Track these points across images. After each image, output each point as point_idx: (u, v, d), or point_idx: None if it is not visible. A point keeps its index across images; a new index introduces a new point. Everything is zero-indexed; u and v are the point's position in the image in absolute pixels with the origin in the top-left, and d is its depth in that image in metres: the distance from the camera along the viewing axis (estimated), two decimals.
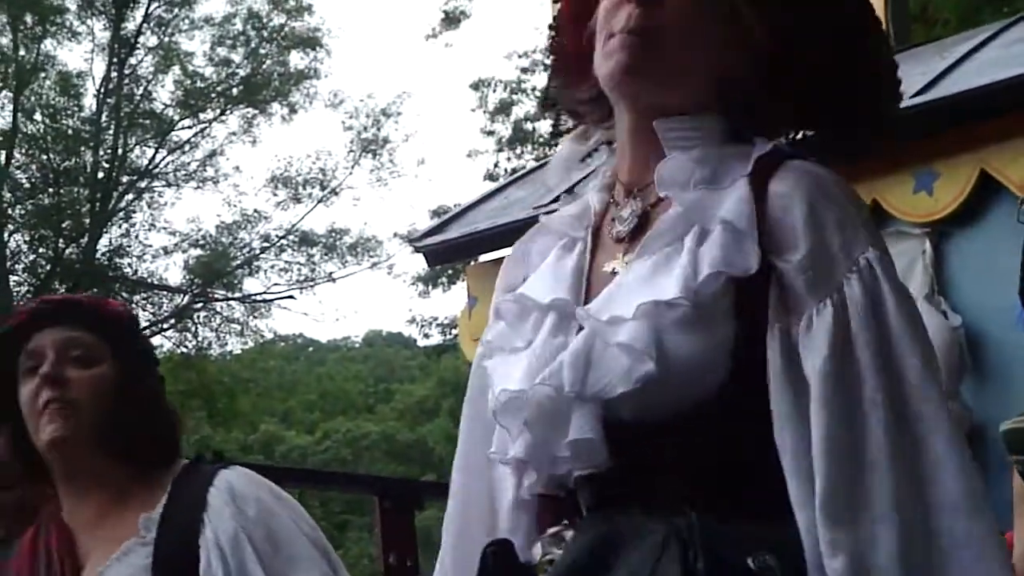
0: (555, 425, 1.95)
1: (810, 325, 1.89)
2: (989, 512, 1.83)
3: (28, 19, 30.12)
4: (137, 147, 31.19)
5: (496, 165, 30.08)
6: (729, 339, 1.92)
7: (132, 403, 3.02)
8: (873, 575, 1.80)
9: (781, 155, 2.04)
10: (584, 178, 2.26)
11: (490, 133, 30.36)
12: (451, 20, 29.13)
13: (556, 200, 2.27)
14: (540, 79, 29.42)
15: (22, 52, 30.42)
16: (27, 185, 30.64)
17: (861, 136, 2.17)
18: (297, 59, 31.76)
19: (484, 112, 30.61)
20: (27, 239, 30.79)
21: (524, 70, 30.17)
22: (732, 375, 1.91)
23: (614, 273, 2.05)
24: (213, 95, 31.46)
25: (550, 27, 2.28)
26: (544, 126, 29.08)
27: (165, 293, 31.58)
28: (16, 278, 30.49)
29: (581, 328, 2.00)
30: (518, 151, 30.16)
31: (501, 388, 2.01)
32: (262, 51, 31.64)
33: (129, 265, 31.37)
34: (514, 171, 28.38)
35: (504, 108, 30.34)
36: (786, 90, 2.09)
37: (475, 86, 30.47)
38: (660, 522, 1.90)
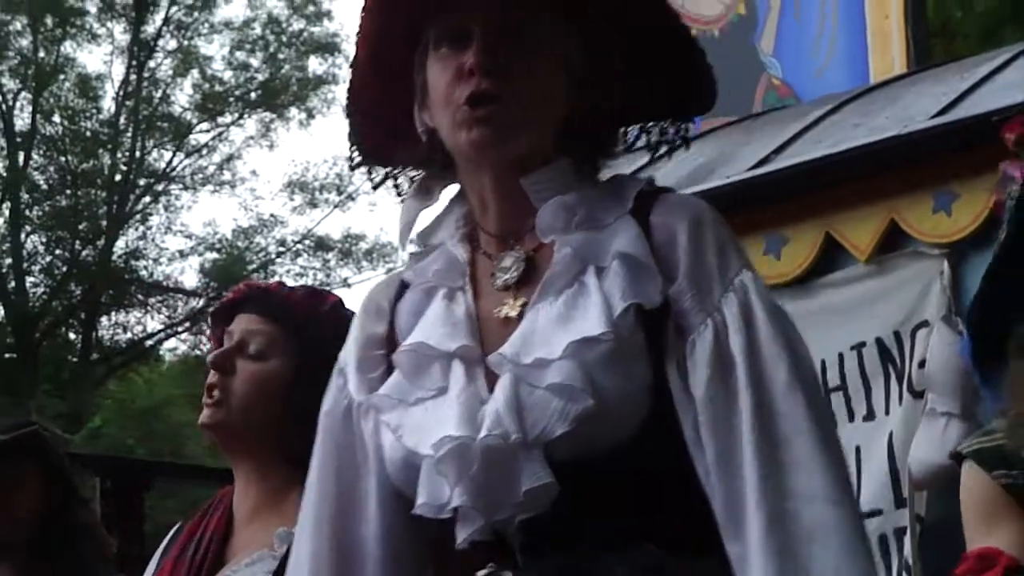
0: (504, 473, 1.95)
1: (693, 349, 1.97)
2: (854, 502, 1.94)
3: (48, 21, 30.19)
4: (155, 150, 31.26)
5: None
6: (647, 373, 1.97)
7: (297, 405, 2.92)
8: (747, 566, 1.90)
9: (657, 190, 2.12)
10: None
11: None
12: None
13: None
14: None
15: (42, 54, 30.50)
16: (45, 187, 30.71)
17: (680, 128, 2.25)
18: (315, 64, 31.83)
19: None
20: (44, 240, 30.85)
21: None
22: (652, 409, 1.96)
23: (507, 319, 2.07)
24: (231, 99, 31.51)
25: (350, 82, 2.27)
26: None
27: (180, 296, 31.62)
28: (32, 279, 30.56)
29: (490, 374, 2.02)
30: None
31: (441, 436, 1.97)
32: (281, 56, 31.68)
33: (145, 268, 31.43)
34: None
35: None
36: (616, 114, 2.17)
37: None
38: (616, 558, 1.94)
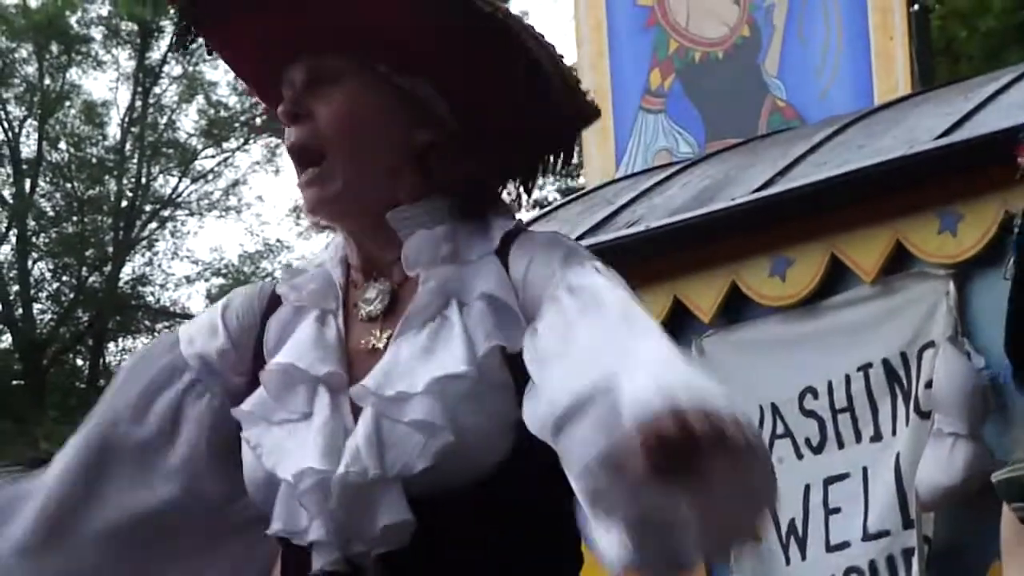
0: (362, 509, 1.96)
1: (534, 334, 1.97)
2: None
3: (54, 48, 30.24)
4: (161, 176, 31.26)
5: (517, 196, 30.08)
6: (511, 412, 1.96)
7: None
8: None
9: (519, 229, 2.11)
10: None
11: None
12: None
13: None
14: None
15: (47, 81, 30.54)
16: (51, 214, 30.73)
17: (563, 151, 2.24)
18: None
19: None
20: (51, 267, 30.88)
21: None
22: (514, 446, 1.97)
23: (374, 349, 2.07)
24: (236, 124, 31.54)
25: None
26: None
27: (187, 322, 31.60)
28: (40, 306, 30.57)
29: (356, 404, 2.02)
30: (540, 181, 30.15)
31: (303, 467, 1.98)
32: None
33: (152, 294, 31.44)
34: (536, 203, 28.42)
35: None
36: (485, 145, 2.14)
37: None
38: None
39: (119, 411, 2.20)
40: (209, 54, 2.22)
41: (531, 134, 2.18)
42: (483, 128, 2.12)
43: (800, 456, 5.55)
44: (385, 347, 2.05)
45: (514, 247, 2.06)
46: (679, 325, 5.83)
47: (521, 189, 2.24)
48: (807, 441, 5.56)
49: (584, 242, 6.00)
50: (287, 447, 2.02)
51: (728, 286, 5.67)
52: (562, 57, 2.13)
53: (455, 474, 1.94)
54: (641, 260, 5.91)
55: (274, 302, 2.20)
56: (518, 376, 1.96)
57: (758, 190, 5.64)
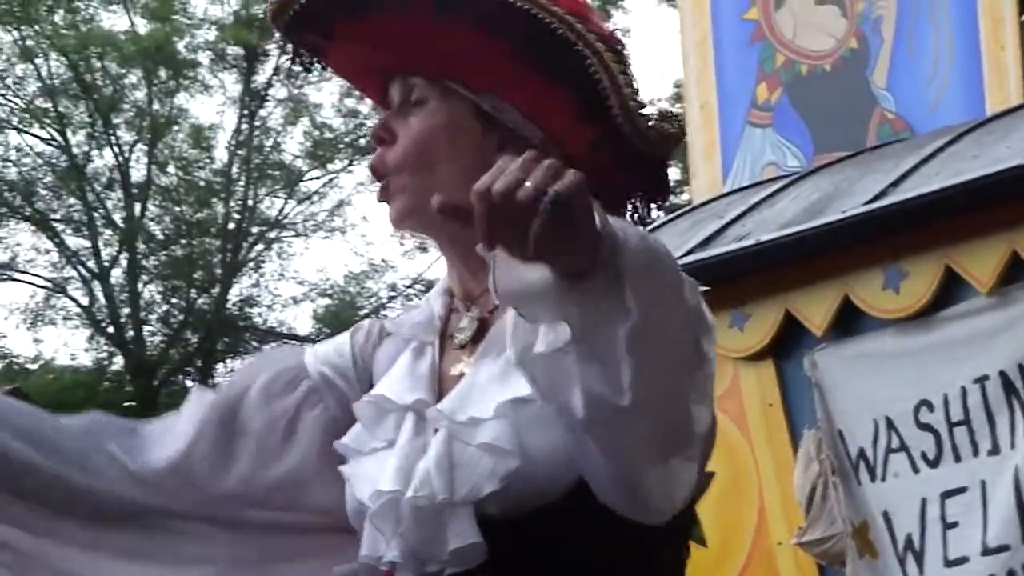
0: (432, 532, 1.96)
1: None
2: None
3: (162, 74, 30.62)
4: (267, 198, 31.52)
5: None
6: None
7: None
8: None
9: None
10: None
11: None
12: None
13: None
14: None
15: (156, 106, 30.93)
16: (161, 237, 31.09)
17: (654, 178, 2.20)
18: None
19: None
20: (161, 290, 31.22)
21: None
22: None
23: (462, 376, 2.08)
24: (341, 146, 31.74)
25: None
26: (670, 174, 29.04)
27: (294, 342, 31.84)
28: (150, 328, 30.92)
29: (437, 429, 2.02)
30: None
31: (375, 490, 2.00)
32: None
33: (259, 315, 31.70)
34: (639, 220, 28.36)
35: None
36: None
37: None
38: None
39: (246, 393, 2.24)
40: (323, 70, 2.25)
41: (609, 156, 2.14)
42: (563, 147, 2.09)
43: (916, 470, 5.49)
44: (468, 371, 2.08)
45: None
46: (791, 339, 5.80)
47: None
48: (923, 455, 5.50)
49: (693, 257, 6.00)
50: (372, 474, 2.05)
51: (841, 299, 5.63)
52: (632, 81, 2.11)
53: (525, 497, 1.94)
54: (752, 274, 5.89)
55: (383, 336, 2.25)
56: None
57: (870, 202, 5.59)
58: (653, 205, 2.22)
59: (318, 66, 2.23)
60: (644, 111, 2.11)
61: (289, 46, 2.20)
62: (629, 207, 2.20)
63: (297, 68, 2.20)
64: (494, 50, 2.06)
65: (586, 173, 1.99)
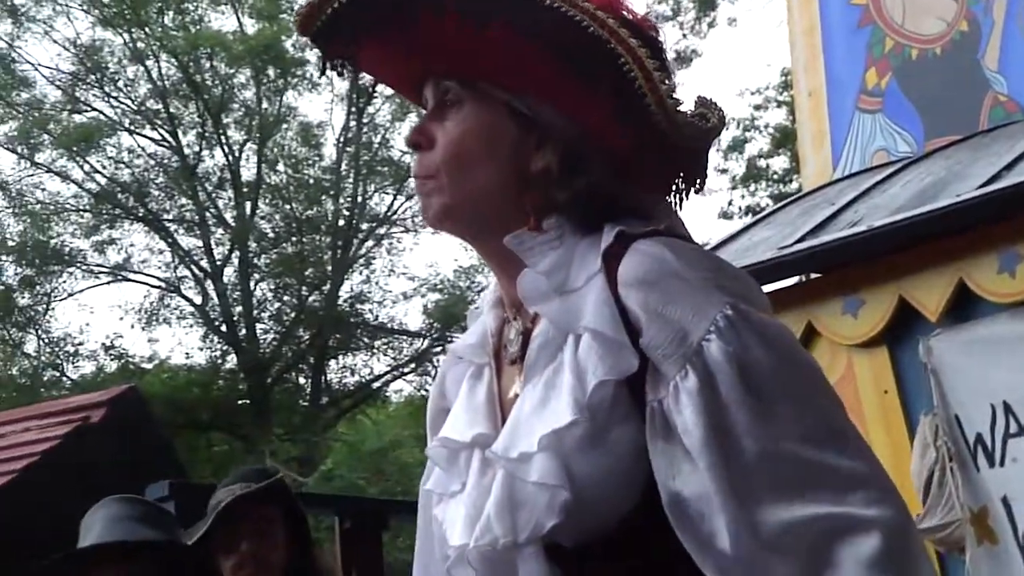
0: (503, 574, 1.95)
1: (677, 396, 1.86)
2: None
3: (271, 72, 30.89)
4: (376, 194, 31.75)
5: (730, 203, 29.91)
6: (634, 442, 1.90)
7: None
8: None
9: (627, 240, 1.99)
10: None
11: (723, 171, 30.24)
12: (683, 59, 29.12)
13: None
14: (773, 116, 29.24)
15: (265, 105, 31.22)
16: (272, 235, 31.39)
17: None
18: None
19: (717, 150, 30.49)
20: (272, 287, 31.52)
21: (757, 107, 30.01)
22: (649, 480, 1.90)
23: (516, 397, 2.04)
24: None
25: None
26: (779, 162, 28.90)
27: (405, 338, 32.02)
28: (263, 326, 31.22)
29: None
30: (752, 188, 29.96)
31: (449, 546, 2.01)
32: None
33: (370, 311, 31.91)
34: (748, 209, 28.24)
35: (737, 146, 30.19)
36: (601, 162, 2.05)
37: None
38: None
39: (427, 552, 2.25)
40: (357, 74, 2.19)
41: (645, 152, 2.07)
42: (603, 141, 2.05)
43: None
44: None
45: (621, 267, 1.96)
46: (905, 325, 5.75)
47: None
48: None
49: (804, 244, 5.96)
50: (451, 519, 2.05)
51: (955, 284, 5.57)
52: (669, 76, 2.04)
53: (593, 523, 1.91)
54: (865, 260, 5.84)
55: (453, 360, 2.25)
56: (638, 401, 1.92)
57: (984, 185, 5.52)
58: (694, 188, 2.12)
59: (351, 70, 2.16)
60: (681, 107, 2.03)
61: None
62: (671, 190, 2.12)
63: (328, 68, 2.14)
64: (527, 51, 2.02)
65: (625, 162, 2.03)
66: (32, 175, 31.08)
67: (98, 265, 31.40)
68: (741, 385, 1.84)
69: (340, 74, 2.15)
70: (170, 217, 31.29)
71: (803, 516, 1.79)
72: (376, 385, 32.24)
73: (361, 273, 31.67)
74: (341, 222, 31.00)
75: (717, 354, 1.85)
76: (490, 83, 2.06)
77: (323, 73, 2.14)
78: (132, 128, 31.25)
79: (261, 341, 30.93)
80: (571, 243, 2.03)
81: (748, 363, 1.85)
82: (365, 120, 31.45)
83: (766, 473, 1.81)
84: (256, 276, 31.24)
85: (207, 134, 31.19)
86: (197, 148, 31.35)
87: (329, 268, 31.04)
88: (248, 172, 31.24)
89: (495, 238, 2.06)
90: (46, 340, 31.24)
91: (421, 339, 31.74)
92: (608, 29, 1.98)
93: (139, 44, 30.87)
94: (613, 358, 1.91)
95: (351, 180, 31.17)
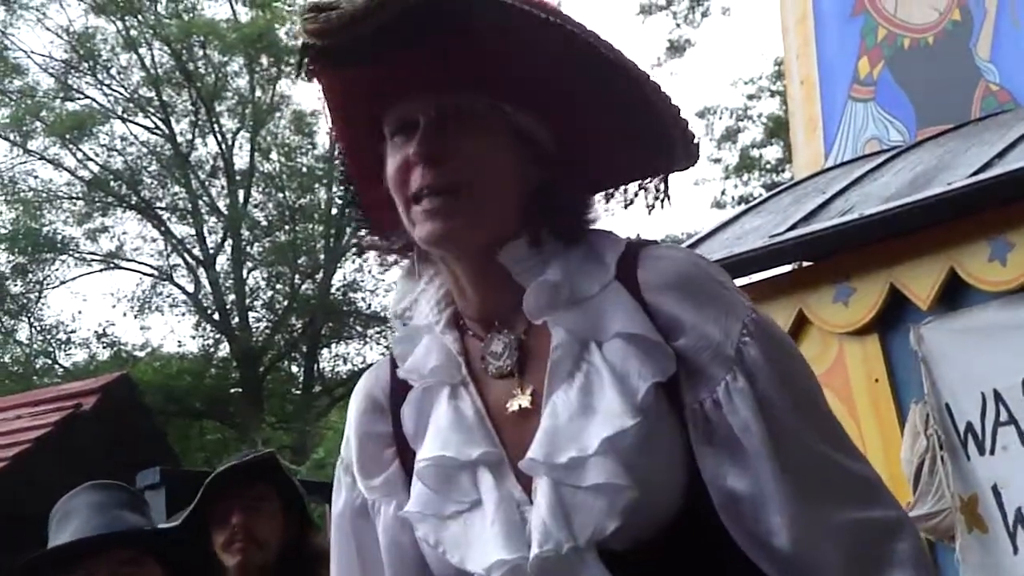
0: None
1: (730, 396, 1.94)
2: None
3: (264, 61, 30.87)
4: None
5: (723, 193, 29.94)
6: (677, 438, 1.95)
7: None
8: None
9: (635, 248, 2.06)
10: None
11: (717, 161, 30.25)
12: (676, 49, 29.11)
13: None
14: (766, 105, 29.25)
15: (258, 93, 31.19)
16: (265, 223, 31.39)
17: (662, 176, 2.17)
18: None
19: (710, 140, 30.52)
20: (265, 276, 31.52)
21: (750, 97, 30.02)
22: (692, 474, 1.95)
23: (523, 411, 2.02)
24: None
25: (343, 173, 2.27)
26: (772, 152, 28.90)
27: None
28: (255, 314, 31.22)
29: (521, 474, 1.98)
30: (744, 178, 29.98)
31: (496, 559, 1.93)
32: None
33: (363, 299, 31.90)
34: (741, 199, 28.25)
35: (730, 135, 30.21)
36: (584, 170, 2.10)
37: (701, 114, 30.38)
38: None
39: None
40: (308, 80, 2.10)
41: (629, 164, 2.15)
42: (586, 162, 2.10)
43: None
44: (531, 403, 2.01)
45: (641, 271, 2.01)
46: (896, 313, 5.76)
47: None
48: None
49: (796, 232, 5.96)
50: (468, 539, 1.99)
51: (946, 272, 5.58)
52: (660, 90, 2.07)
53: (647, 524, 1.91)
54: (856, 249, 5.85)
55: (396, 384, 2.17)
56: (675, 401, 1.95)
57: (975, 173, 5.52)
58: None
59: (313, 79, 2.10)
60: (694, 134, 2.11)
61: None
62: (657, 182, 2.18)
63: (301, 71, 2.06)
64: (540, 69, 2.03)
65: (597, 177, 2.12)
66: (24, 163, 31.09)
67: (90, 253, 31.41)
68: (782, 388, 1.95)
69: (308, 80, 2.09)
70: (163, 205, 31.29)
71: (855, 518, 1.92)
72: None
73: (354, 262, 31.65)
74: (334, 210, 30.97)
75: (756, 356, 1.96)
76: (502, 99, 2.05)
77: (300, 75, 2.05)
78: (125, 116, 31.23)
79: (254, 329, 30.93)
80: (563, 255, 2.06)
81: (781, 366, 1.98)
82: None
83: (815, 474, 1.93)
84: (249, 264, 31.23)
85: (200, 122, 31.17)
86: (190, 136, 31.34)
87: (322, 257, 31.03)
88: (241, 160, 31.25)
89: (490, 255, 2.05)
90: (38, 328, 31.26)
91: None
92: (616, 54, 2.01)
93: (132, 32, 30.84)
94: (655, 360, 1.95)
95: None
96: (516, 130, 2.06)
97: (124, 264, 31.46)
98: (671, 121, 2.09)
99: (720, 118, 30.35)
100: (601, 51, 2.00)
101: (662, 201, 2.17)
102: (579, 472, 1.91)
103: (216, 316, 30.73)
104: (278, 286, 31.51)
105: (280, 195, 31.37)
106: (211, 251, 30.87)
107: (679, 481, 1.94)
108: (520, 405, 2.03)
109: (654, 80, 2.06)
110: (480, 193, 2.01)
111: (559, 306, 2.02)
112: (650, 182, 2.17)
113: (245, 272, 31.00)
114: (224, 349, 30.98)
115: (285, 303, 31.27)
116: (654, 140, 2.11)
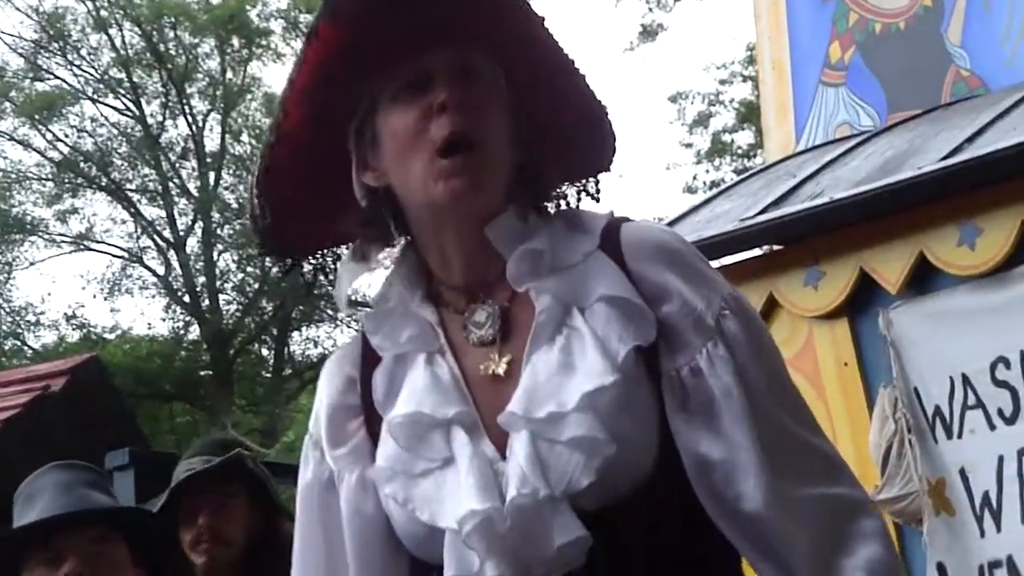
0: (537, 531, 1.92)
1: (712, 363, 1.99)
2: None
3: (235, 42, 30.79)
4: None
5: (695, 178, 29.99)
6: (653, 404, 1.98)
7: None
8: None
9: (617, 221, 2.11)
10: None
11: (688, 145, 30.30)
12: (649, 33, 29.09)
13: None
14: (738, 91, 29.27)
15: (229, 75, 31.11)
16: (235, 206, 31.32)
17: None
18: None
19: (682, 124, 30.57)
20: (236, 258, 31.47)
21: (722, 82, 30.06)
22: (663, 440, 1.97)
23: (495, 376, 2.04)
24: None
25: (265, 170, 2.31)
26: (744, 137, 28.94)
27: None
28: (226, 297, 31.18)
29: (494, 435, 1.99)
30: (716, 163, 30.03)
31: (468, 510, 1.92)
32: None
33: (332, 282, 31.85)
34: (713, 183, 28.29)
35: (702, 120, 30.25)
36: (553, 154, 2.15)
37: (673, 99, 30.44)
38: None
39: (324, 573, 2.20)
40: (329, 22, 2.05)
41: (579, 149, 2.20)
42: (552, 142, 2.15)
43: (992, 427, 5.45)
44: (508, 372, 2.03)
45: (623, 243, 2.06)
46: (865, 297, 5.77)
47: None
48: (999, 412, 5.44)
49: (766, 216, 5.97)
50: (440, 495, 1.99)
51: (916, 256, 5.59)
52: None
53: (620, 483, 1.93)
54: (825, 232, 5.86)
55: (368, 358, 2.18)
56: (653, 368, 1.99)
57: (945, 158, 5.53)
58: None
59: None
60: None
61: None
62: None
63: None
64: (543, 38, 2.08)
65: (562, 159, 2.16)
66: None
67: (60, 234, 31.31)
68: (758, 362, 2.01)
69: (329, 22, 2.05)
70: (133, 187, 31.20)
71: (823, 493, 1.97)
72: None
73: None
74: None
75: (735, 329, 2.01)
76: (505, 61, 2.09)
77: (325, 15, 2.03)
78: (95, 97, 31.11)
79: (224, 312, 30.89)
80: (546, 227, 2.10)
81: (757, 342, 2.03)
82: None
83: (786, 448, 1.98)
84: (219, 247, 31.18)
85: (171, 104, 31.08)
86: (160, 118, 31.24)
87: None
88: (212, 142, 31.17)
89: (480, 225, 2.07)
90: (7, 309, 31.15)
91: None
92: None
93: (102, 12, 30.72)
94: (637, 325, 1.99)
95: None
96: (509, 104, 2.09)
97: (94, 246, 31.38)
98: (606, 120, 2.16)
99: (692, 103, 30.41)
100: (559, 41, 2.07)
101: (596, 200, 2.22)
102: (558, 426, 1.93)
103: (186, 298, 30.68)
104: (248, 269, 31.47)
105: (251, 177, 31.29)
106: (181, 233, 30.81)
107: (653, 443, 1.96)
108: (493, 370, 2.05)
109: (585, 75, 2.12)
110: (491, 157, 2.04)
111: (542, 273, 2.05)
112: (588, 183, 2.22)
113: (216, 254, 30.96)
114: (194, 331, 30.94)
115: (256, 286, 31.23)
116: (598, 140, 2.18)
